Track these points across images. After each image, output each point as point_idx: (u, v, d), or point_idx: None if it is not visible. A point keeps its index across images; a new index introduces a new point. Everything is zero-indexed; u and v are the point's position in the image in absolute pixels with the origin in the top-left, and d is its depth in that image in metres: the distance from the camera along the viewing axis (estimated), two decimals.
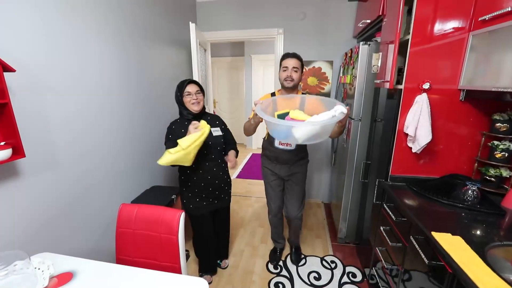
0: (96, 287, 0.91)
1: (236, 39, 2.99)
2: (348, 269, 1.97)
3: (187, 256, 2.00)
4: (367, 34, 2.21)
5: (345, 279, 1.87)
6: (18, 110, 1.07)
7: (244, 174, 4.02)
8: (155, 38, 2.12)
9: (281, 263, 2.05)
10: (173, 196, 1.94)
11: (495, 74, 1.06)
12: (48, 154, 1.25)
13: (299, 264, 2.02)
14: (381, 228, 1.46)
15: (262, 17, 2.76)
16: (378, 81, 1.66)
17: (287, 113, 1.32)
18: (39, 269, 0.88)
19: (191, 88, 1.54)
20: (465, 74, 1.26)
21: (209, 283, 1.82)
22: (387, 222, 1.43)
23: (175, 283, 0.94)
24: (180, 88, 1.54)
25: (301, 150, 1.78)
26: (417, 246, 1.07)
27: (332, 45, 2.67)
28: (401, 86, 1.39)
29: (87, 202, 1.50)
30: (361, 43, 1.83)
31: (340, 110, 1.14)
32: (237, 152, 1.73)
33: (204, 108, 1.63)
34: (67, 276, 0.93)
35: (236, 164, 1.60)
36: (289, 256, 2.12)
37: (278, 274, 1.93)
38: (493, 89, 1.05)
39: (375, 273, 1.62)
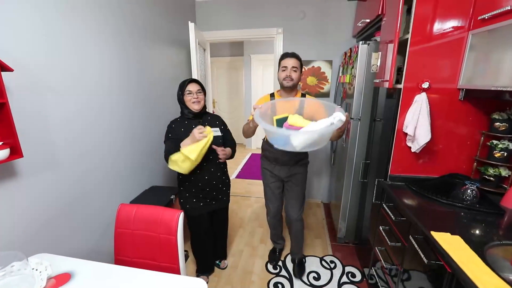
0: None
1: (235, 39, 2.99)
2: (347, 269, 1.97)
3: (186, 257, 2.00)
4: (367, 33, 2.21)
5: (344, 279, 1.87)
6: (17, 110, 1.07)
7: (244, 174, 4.02)
8: (154, 38, 2.12)
9: (280, 263, 2.05)
10: (172, 196, 1.94)
11: (495, 73, 1.05)
12: (47, 154, 1.24)
13: (302, 277, 1.89)
14: (381, 228, 1.46)
15: (261, 17, 2.76)
16: (377, 81, 1.66)
17: (286, 118, 1.31)
18: (36, 270, 0.88)
19: (192, 87, 1.54)
20: (464, 73, 1.26)
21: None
22: (386, 222, 1.43)
23: (173, 283, 0.94)
24: (182, 87, 1.55)
25: (301, 152, 1.77)
26: (416, 246, 1.07)
27: (331, 45, 2.67)
28: (401, 86, 1.39)
29: (87, 202, 1.49)
30: (360, 42, 1.83)
31: (338, 117, 1.13)
32: (234, 151, 1.71)
33: (205, 107, 1.63)
34: (65, 277, 0.92)
35: (226, 155, 1.57)
36: (288, 257, 2.11)
37: (277, 274, 1.93)
38: (492, 88, 1.05)
39: (375, 273, 1.62)
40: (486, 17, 1.08)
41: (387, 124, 1.58)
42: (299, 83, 1.69)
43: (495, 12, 1.02)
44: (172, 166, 1.47)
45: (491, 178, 1.33)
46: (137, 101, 1.91)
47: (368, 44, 1.82)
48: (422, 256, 1.00)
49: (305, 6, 2.64)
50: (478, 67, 1.17)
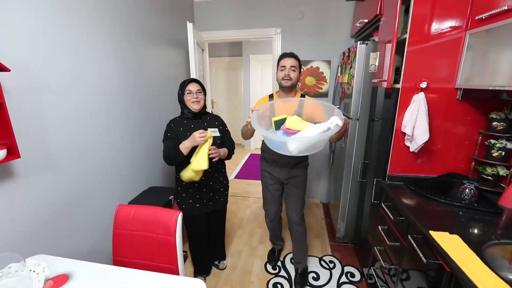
0: None
1: (233, 39, 2.99)
2: (346, 269, 1.97)
3: (185, 257, 1.99)
4: (365, 33, 2.21)
5: (343, 279, 1.87)
6: (14, 110, 1.06)
7: (243, 175, 4.02)
8: (152, 38, 2.11)
9: (279, 263, 2.04)
10: (171, 197, 1.93)
11: (492, 73, 1.06)
12: (44, 155, 1.24)
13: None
14: (379, 228, 1.46)
15: (260, 17, 2.76)
16: (375, 80, 1.67)
17: (285, 119, 1.31)
18: (34, 271, 0.87)
19: (192, 87, 1.54)
20: (462, 73, 1.26)
21: None
22: (385, 221, 1.43)
23: (172, 284, 0.93)
24: (182, 87, 1.55)
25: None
26: (415, 245, 1.07)
27: (330, 45, 2.68)
28: (399, 85, 1.39)
29: (85, 203, 1.49)
30: (358, 42, 1.83)
31: (335, 122, 1.13)
32: (231, 153, 1.68)
33: (205, 107, 1.63)
34: (63, 279, 0.92)
35: (218, 154, 1.50)
36: (288, 257, 2.11)
37: (276, 275, 1.92)
38: (490, 88, 1.05)
39: (374, 273, 1.62)
40: (484, 17, 1.09)
41: (386, 124, 1.59)
42: (298, 83, 1.69)
43: (492, 12, 1.02)
44: (188, 180, 1.52)
45: (489, 177, 1.33)
46: (134, 101, 1.91)
47: (366, 44, 1.82)
48: (421, 255, 1.00)
49: (303, 6, 2.65)
50: (475, 67, 1.18)
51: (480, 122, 1.37)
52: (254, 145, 5.43)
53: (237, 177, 3.94)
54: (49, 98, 1.24)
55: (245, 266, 2.02)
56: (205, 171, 1.51)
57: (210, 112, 1.74)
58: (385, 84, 1.48)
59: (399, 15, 1.36)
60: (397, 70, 1.46)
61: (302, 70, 1.64)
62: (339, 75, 2.50)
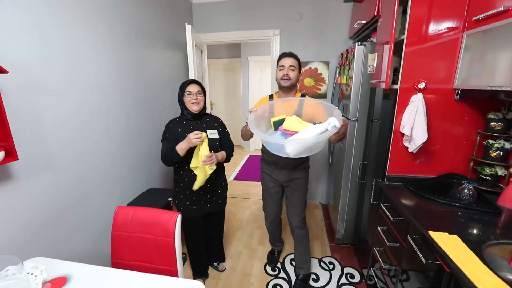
0: None
1: (232, 40, 2.99)
2: (346, 270, 1.96)
3: (185, 259, 1.98)
4: (363, 34, 2.22)
5: (343, 280, 1.86)
6: (13, 111, 1.06)
7: (242, 176, 4.01)
8: (151, 39, 2.12)
9: (279, 265, 2.04)
10: (170, 199, 1.92)
11: (489, 73, 1.06)
12: (44, 156, 1.23)
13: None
14: (379, 228, 1.46)
15: (258, 19, 2.77)
16: (374, 81, 1.67)
17: (283, 120, 1.30)
18: (32, 274, 0.87)
19: (192, 88, 1.54)
20: (459, 73, 1.27)
21: None
22: (384, 222, 1.43)
23: (171, 286, 0.93)
24: (182, 87, 1.55)
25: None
26: (414, 246, 1.07)
27: (328, 46, 2.69)
28: (397, 86, 1.40)
29: (84, 204, 1.48)
30: (357, 43, 1.84)
31: (333, 123, 1.11)
32: (229, 155, 1.67)
33: (204, 108, 1.63)
34: (61, 281, 0.91)
35: (213, 159, 1.47)
36: (287, 258, 2.11)
37: (276, 276, 1.92)
38: (487, 88, 1.06)
39: (373, 274, 1.61)
40: (480, 18, 1.09)
41: (384, 124, 1.59)
42: (298, 83, 1.68)
43: (489, 13, 1.03)
44: (199, 186, 1.53)
45: (488, 178, 1.34)
46: (134, 101, 1.91)
47: (365, 45, 1.83)
48: (420, 256, 1.00)
49: (301, 8, 2.66)
50: (473, 67, 1.18)
51: (478, 123, 1.37)
52: (253, 147, 5.43)
53: (236, 178, 3.93)
54: (48, 98, 1.24)
55: (244, 268, 2.01)
56: (194, 172, 1.53)
57: (210, 113, 1.73)
58: (383, 85, 1.49)
59: (396, 16, 1.37)
60: (395, 71, 1.47)
61: (301, 71, 1.63)
62: (337, 76, 2.51)
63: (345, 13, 2.57)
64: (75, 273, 0.97)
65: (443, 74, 1.32)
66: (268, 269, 2.00)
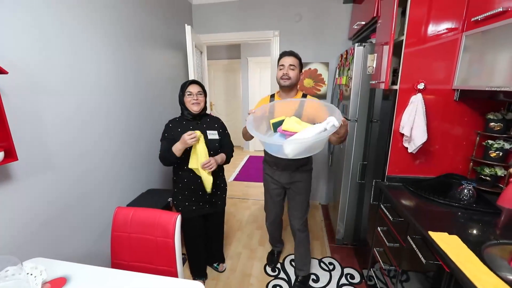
0: None
1: (232, 41, 3.00)
2: (346, 270, 1.96)
3: (184, 260, 1.98)
4: (362, 35, 2.23)
5: (343, 280, 1.86)
6: (13, 111, 1.06)
7: (242, 177, 4.01)
8: (151, 40, 2.12)
9: (279, 265, 2.03)
10: (169, 199, 1.92)
11: (489, 74, 1.07)
12: (43, 156, 1.23)
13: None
14: (379, 229, 1.46)
15: (258, 20, 2.78)
16: (373, 82, 1.67)
17: (283, 121, 1.28)
18: (31, 274, 0.86)
19: (193, 89, 1.54)
20: (459, 74, 1.27)
21: None
22: (384, 222, 1.43)
23: (170, 286, 0.93)
24: (183, 88, 1.55)
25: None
26: (414, 246, 1.07)
27: (327, 47, 2.69)
28: (396, 87, 1.40)
29: (83, 205, 1.48)
30: (356, 44, 1.84)
31: (332, 123, 1.09)
32: (229, 157, 1.67)
33: (205, 109, 1.63)
34: (61, 282, 0.91)
35: (212, 164, 1.47)
36: (287, 259, 2.10)
37: (276, 277, 1.91)
38: (486, 89, 1.06)
39: (373, 274, 1.61)
40: (479, 19, 1.10)
41: (384, 125, 1.59)
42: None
43: (487, 14, 1.03)
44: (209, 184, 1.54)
45: (487, 178, 1.34)
46: (134, 102, 1.91)
47: (364, 46, 1.83)
48: (420, 256, 1.00)
49: (301, 9, 2.66)
50: (472, 68, 1.19)
51: (478, 123, 1.38)
52: (253, 147, 5.43)
53: (236, 179, 3.93)
54: (48, 98, 1.24)
55: (244, 269, 2.01)
56: (193, 173, 1.54)
57: (210, 114, 1.73)
58: (382, 86, 1.49)
59: (396, 17, 1.37)
60: (395, 72, 1.47)
61: (302, 69, 1.61)
62: (337, 77, 2.51)
63: (345, 14, 2.58)
64: (74, 273, 0.96)
65: (442, 74, 1.33)
66: (268, 269, 1.99)
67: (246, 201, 3.17)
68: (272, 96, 1.66)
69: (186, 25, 2.26)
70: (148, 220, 1.18)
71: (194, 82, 1.57)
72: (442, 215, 1.15)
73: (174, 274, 1.15)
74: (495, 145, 1.29)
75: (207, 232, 1.84)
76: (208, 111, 1.72)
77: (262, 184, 1.88)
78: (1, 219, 1.07)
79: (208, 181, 1.51)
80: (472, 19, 1.15)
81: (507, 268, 0.88)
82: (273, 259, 2.06)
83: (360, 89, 1.91)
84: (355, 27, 2.16)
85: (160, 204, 1.83)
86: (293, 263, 2.02)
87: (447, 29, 1.27)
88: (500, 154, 1.29)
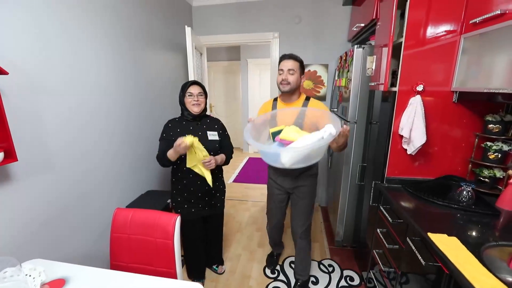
0: None
1: (232, 43, 3.01)
2: (345, 272, 1.96)
3: (182, 263, 1.97)
4: (362, 37, 2.24)
5: (342, 283, 1.86)
6: (13, 112, 1.06)
7: (241, 178, 4.01)
8: (151, 42, 2.13)
9: (278, 267, 2.03)
10: (169, 201, 1.92)
11: (487, 76, 1.07)
12: (43, 157, 1.23)
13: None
14: (378, 231, 1.46)
15: (258, 21, 2.79)
16: (372, 84, 1.68)
17: (281, 131, 1.26)
18: (30, 276, 0.86)
19: (193, 89, 1.54)
20: (457, 76, 1.28)
21: None
22: (383, 224, 1.43)
23: None
24: (183, 88, 1.55)
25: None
26: (413, 248, 1.07)
27: (327, 49, 2.70)
28: (395, 89, 1.41)
29: (83, 206, 1.48)
30: (355, 46, 1.85)
31: (329, 131, 1.07)
32: (229, 158, 1.67)
33: (205, 110, 1.63)
34: (59, 283, 0.91)
35: (211, 163, 1.46)
36: (287, 261, 2.10)
37: (275, 279, 1.91)
38: (485, 91, 1.07)
39: (373, 277, 1.61)
40: (477, 21, 1.10)
41: (383, 126, 1.60)
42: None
43: (485, 16, 1.04)
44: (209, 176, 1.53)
45: (486, 180, 1.34)
46: (133, 103, 1.91)
47: (363, 48, 1.84)
48: (420, 257, 1.00)
49: (300, 11, 2.68)
50: (470, 70, 1.19)
51: (476, 125, 1.38)
52: (252, 149, 5.43)
53: (235, 180, 3.93)
54: (48, 98, 1.24)
55: (243, 270, 2.00)
56: (199, 177, 1.55)
57: (210, 115, 1.73)
58: (382, 88, 1.49)
59: (395, 20, 1.38)
60: (394, 74, 1.48)
61: (304, 72, 1.55)
62: (336, 78, 2.52)
63: (344, 16, 2.59)
64: (73, 275, 0.96)
65: (441, 76, 1.33)
66: (267, 271, 1.99)
67: (245, 203, 3.16)
68: (275, 99, 1.63)
69: (186, 26, 2.27)
70: (148, 222, 1.18)
71: (195, 83, 1.57)
72: (441, 216, 1.16)
73: (174, 276, 1.15)
74: (494, 147, 1.30)
75: (206, 234, 1.84)
76: (208, 113, 1.72)
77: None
78: (1, 220, 1.07)
79: (207, 175, 1.51)
80: (470, 22, 1.16)
81: (506, 270, 0.88)
82: (272, 261, 2.06)
83: (359, 91, 1.92)
84: (355, 29, 2.17)
85: (160, 206, 1.83)
86: (292, 265, 2.01)
87: (445, 31, 1.28)
88: (499, 156, 1.29)
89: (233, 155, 1.74)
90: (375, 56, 1.66)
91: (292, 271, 1.96)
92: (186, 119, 1.58)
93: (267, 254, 2.15)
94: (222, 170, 1.76)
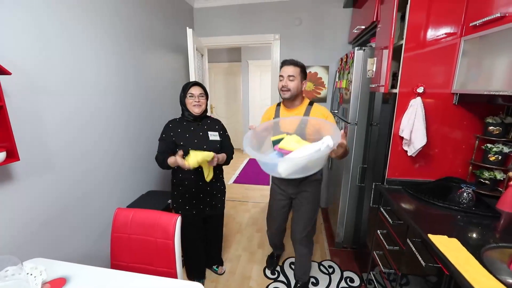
0: None
1: (232, 44, 3.02)
2: (345, 274, 1.96)
3: (183, 262, 1.97)
4: (362, 39, 2.25)
5: (343, 284, 1.86)
6: (13, 113, 1.06)
7: (241, 179, 4.01)
8: (152, 43, 2.14)
9: (278, 268, 2.03)
10: (169, 201, 1.92)
11: (487, 78, 1.08)
12: (44, 157, 1.24)
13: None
14: (378, 232, 1.46)
15: (259, 23, 2.80)
16: (373, 86, 1.69)
17: (282, 140, 1.25)
18: (31, 274, 0.87)
19: (194, 90, 1.54)
20: (458, 78, 1.29)
21: None
22: (384, 225, 1.43)
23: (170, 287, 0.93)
24: (184, 89, 1.55)
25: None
26: (414, 249, 1.07)
27: (328, 51, 2.71)
28: (396, 90, 1.41)
29: (83, 206, 1.48)
30: (356, 48, 1.86)
31: (326, 143, 1.06)
32: (229, 158, 1.66)
33: (206, 111, 1.63)
34: (60, 282, 0.91)
35: (214, 161, 1.47)
36: (287, 262, 2.10)
37: (275, 280, 1.91)
38: (485, 93, 1.07)
39: (373, 278, 1.61)
40: (478, 24, 1.11)
41: (384, 128, 1.60)
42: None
43: (485, 19, 1.05)
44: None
45: (487, 181, 1.34)
46: (134, 104, 1.92)
47: (364, 50, 1.85)
48: (420, 259, 1.00)
49: (301, 13, 2.69)
50: (471, 72, 1.20)
51: (477, 127, 1.38)
52: None
53: (235, 181, 3.93)
54: (48, 99, 1.25)
55: (243, 271, 2.00)
56: (200, 178, 1.55)
57: (210, 116, 1.74)
58: (382, 89, 1.50)
59: (395, 22, 1.39)
60: (394, 76, 1.48)
61: (306, 77, 1.52)
62: (337, 80, 2.53)
63: (345, 18, 2.60)
64: (74, 274, 0.96)
65: (441, 78, 1.34)
66: (268, 272, 1.99)
67: (245, 204, 3.16)
68: (278, 105, 1.61)
69: (187, 28, 2.28)
70: (148, 222, 1.18)
71: (196, 84, 1.57)
72: (441, 218, 1.16)
73: (174, 276, 1.15)
74: (494, 149, 1.30)
75: (206, 234, 1.84)
76: (208, 114, 1.72)
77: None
78: (2, 219, 1.07)
79: (210, 172, 1.51)
80: (470, 24, 1.17)
81: (506, 272, 0.88)
82: (272, 262, 2.06)
83: (360, 93, 1.92)
84: (355, 31, 2.18)
85: (160, 206, 1.83)
86: (292, 266, 2.01)
87: (446, 33, 1.29)
88: (499, 158, 1.30)
89: (233, 156, 1.74)
90: (375, 58, 1.67)
91: (292, 272, 1.95)
92: (187, 120, 1.59)
93: (267, 255, 2.15)
94: (222, 170, 1.76)
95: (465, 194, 1.24)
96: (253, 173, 4.24)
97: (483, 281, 0.76)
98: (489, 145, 1.32)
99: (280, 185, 1.65)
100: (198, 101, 1.54)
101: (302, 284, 1.80)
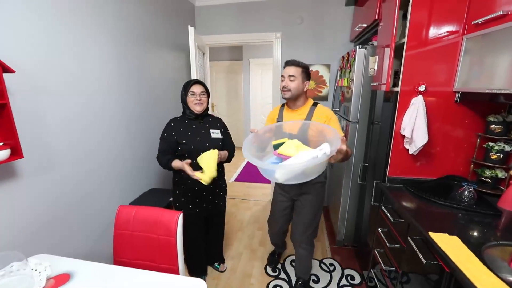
0: None
1: (234, 43, 3.02)
2: (346, 271, 1.96)
3: (184, 260, 1.99)
4: (364, 38, 2.24)
5: (343, 282, 1.86)
6: (17, 111, 1.07)
7: (243, 178, 4.02)
8: (154, 41, 2.14)
9: (279, 266, 2.04)
10: (171, 199, 1.93)
11: (489, 76, 1.08)
12: (47, 155, 1.25)
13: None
14: (379, 230, 1.47)
15: (260, 21, 2.80)
16: (374, 84, 1.69)
17: (283, 144, 1.24)
18: (36, 270, 0.88)
19: (196, 89, 1.54)
20: (459, 76, 1.28)
21: None
22: (385, 223, 1.44)
23: (173, 283, 0.94)
24: (186, 87, 1.55)
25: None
26: (414, 247, 1.07)
27: (329, 49, 2.71)
28: (398, 89, 1.41)
29: (86, 203, 1.49)
30: (357, 46, 1.86)
31: (324, 150, 1.05)
32: (231, 155, 1.66)
33: (207, 109, 1.64)
34: (65, 277, 0.92)
35: (220, 158, 1.49)
36: (288, 259, 2.11)
37: (276, 277, 1.92)
38: (487, 91, 1.07)
39: (374, 276, 1.62)
40: (480, 22, 1.11)
41: (385, 126, 1.60)
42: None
43: (488, 17, 1.05)
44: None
45: (488, 180, 1.35)
46: (136, 103, 1.93)
47: (365, 48, 1.84)
48: (421, 256, 1.01)
49: (303, 11, 2.68)
50: (473, 71, 1.20)
51: (478, 125, 1.38)
52: None
53: (237, 180, 3.94)
54: (51, 98, 1.26)
55: (245, 269, 2.01)
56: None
57: (211, 114, 1.74)
58: (384, 88, 1.50)
59: (397, 20, 1.38)
60: (396, 74, 1.48)
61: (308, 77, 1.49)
62: (338, 78, 2.53)
63: (346, 16, 2.59)
64: (78, 270, 0.98)
65: (443, 77, 1.34)
66: (269, 270, 2.00)
67: (247, 202, 3.17)
68: (282, 105, 1.60)
69: (189, 26, 2.28)
70: (151, 219, 1.19)
71: (197, 82, 1.58)
72: (442, 216, 1.16)
73: (176, 272, 1.16)
74: (496, 147, 1.30)
75: (208, 232, 1.85)
76: (209, 112, 1.73)
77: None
78: (7, 216, 1.08)
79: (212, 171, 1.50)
80: (472, 23, 1.17)
81: (507, 269, 0.89)
82: (273, 260, 2.07)
83: (361, 91, 1.92)
84: (357, 29, 2.18)
85: (162, 204, 1.84)
86: (293, 263, 2.02)
87: (448, 32, 1.28)
88: (501, 156, 1.30)
89: (234, 153, 1.75)
90: (377, 57, 1.66)
91: (293, 269, 1.96)
92: (189, 118, 1.59)
93: (269, 253, 2.16)
94: (223, 168, 1.77)
95: (466, 192, 1.25)
96: (254, 172, 4.25)
97: (484, 279, 0.76)
98: (491, 144, 1.32)
99: (283, 187, 1.64)
100: (200, 99, 1.54)
101: (303, 282, 1.81)
